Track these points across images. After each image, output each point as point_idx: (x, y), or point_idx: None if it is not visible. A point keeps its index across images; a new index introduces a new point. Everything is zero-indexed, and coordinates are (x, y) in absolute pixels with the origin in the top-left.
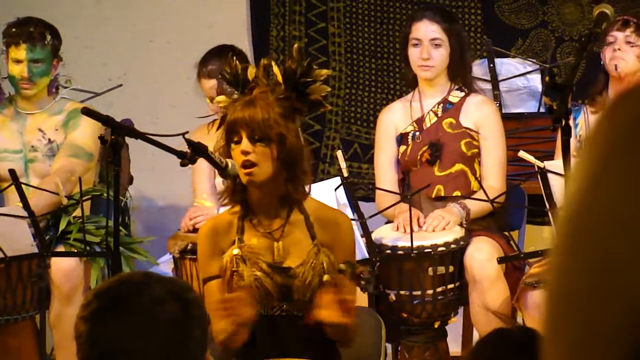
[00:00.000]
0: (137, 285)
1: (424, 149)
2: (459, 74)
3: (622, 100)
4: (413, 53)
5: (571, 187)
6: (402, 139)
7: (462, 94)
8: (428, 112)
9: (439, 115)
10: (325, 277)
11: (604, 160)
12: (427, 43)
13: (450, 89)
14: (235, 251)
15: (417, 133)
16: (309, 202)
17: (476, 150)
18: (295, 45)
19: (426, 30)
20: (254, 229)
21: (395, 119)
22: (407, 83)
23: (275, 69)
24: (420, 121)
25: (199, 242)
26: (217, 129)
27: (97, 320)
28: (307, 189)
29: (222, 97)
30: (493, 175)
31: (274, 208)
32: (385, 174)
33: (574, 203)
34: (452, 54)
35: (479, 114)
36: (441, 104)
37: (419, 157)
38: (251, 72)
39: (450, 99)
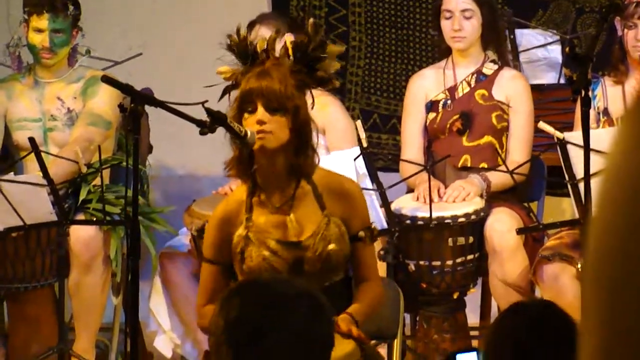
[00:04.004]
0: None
1: (455, 118)
2: (492, 43)
3: None
4: (445, 25)
5: (612, 151)
6: (432, 106)
7: (496, 66)
8: (461, 82)
9: (472, 85)
10: (331, 247)
11: None
12: (458, 14)
13: (484, 60)
14: (243, 233)
15: (449, 101)
16: (315, 171)
17: (506, 124)
18: (311, 21)
19: (457, 1)
20: (262, 206)
21: (426, 85)
22: (441, 52)
23: (288, 43)
24: (452, 90)
25: (209, 225)
26: (219, 99)
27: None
28: (315, 162)
29: (225, 68)
30: (519, 151)
31: (282, 180)
32: (413, 141)
33: (613, 165)
34: (484, 24)
35: (511, 88)
36: (475, 75)
37: (448, 125)
38: (261, 44)
39: (484, 70)
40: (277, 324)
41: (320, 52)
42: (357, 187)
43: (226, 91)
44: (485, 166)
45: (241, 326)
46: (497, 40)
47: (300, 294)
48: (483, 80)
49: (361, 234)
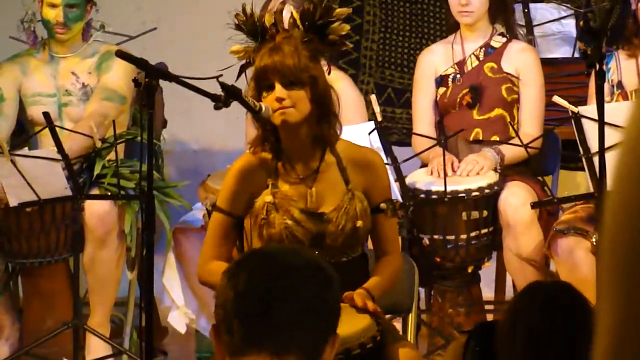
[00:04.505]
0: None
1: (465, 91)
2: (500, 17)
3: None
4: (453, 0)
5: (628, 124)
6: (442, 80)
7: (504, 39)
8: (470, 56)
9: (481, 59)
10: (359, 223)
11: None
12: None
13: (492, 33)
14: (268, 198)
15: (458, 76)
16: (338, 143)
17: (516, 96)
18: None
19: None
20: (287, 174)
21: (435, 60)
22: (449, 27)
23: (294, 13)
24: (461, 64)
25: (229, 175)
26: (237, 79)
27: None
28: (337, 130)
29: (237, 47)
30: (530, 123)
31: (307, 151)
32: (424, 116)
33: (629, 139)
34: None
35: (520, 60)
36: (483, 48)
37: (458, 99)
38: (269, 19)
39: (493, 43)
40: (287, 295)
41: (328, 18)
42: (380, 159)
43: (242, 70)
44: (497, 139)
45: (250, 298)
46: (505, 13)
47: (309, 265)
48: (492, 53)
49: (383, 205)
